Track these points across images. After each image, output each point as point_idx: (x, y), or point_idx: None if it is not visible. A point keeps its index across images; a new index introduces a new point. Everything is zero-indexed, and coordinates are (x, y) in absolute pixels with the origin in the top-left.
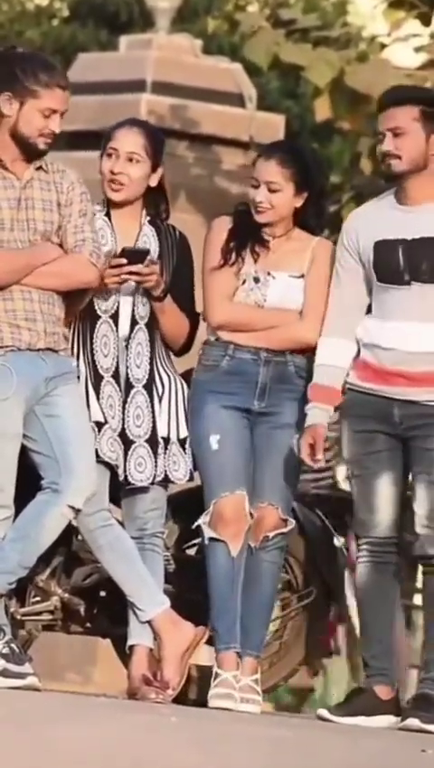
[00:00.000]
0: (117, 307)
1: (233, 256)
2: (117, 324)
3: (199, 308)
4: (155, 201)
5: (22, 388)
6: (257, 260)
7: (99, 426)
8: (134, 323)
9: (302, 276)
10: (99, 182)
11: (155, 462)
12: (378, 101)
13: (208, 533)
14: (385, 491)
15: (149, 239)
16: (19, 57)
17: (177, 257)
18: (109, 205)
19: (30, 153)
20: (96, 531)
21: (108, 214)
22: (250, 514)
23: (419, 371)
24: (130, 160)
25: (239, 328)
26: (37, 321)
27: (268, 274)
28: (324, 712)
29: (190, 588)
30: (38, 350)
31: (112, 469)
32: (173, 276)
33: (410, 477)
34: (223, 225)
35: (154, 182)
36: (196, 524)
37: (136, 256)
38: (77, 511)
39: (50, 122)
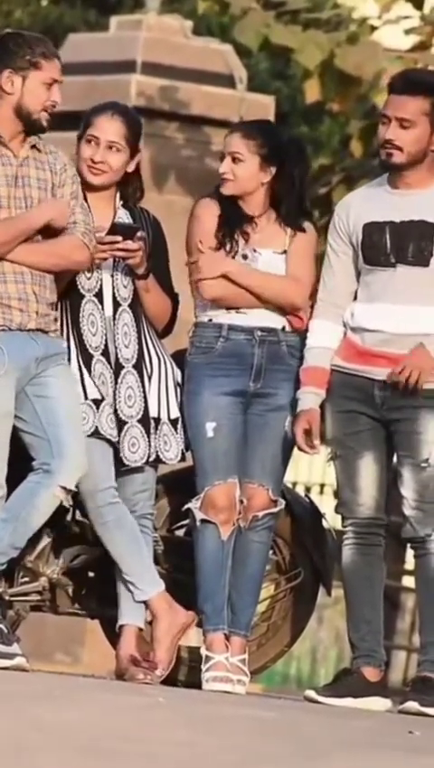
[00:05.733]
0: (101, 286)
1: (227, 242)
2: (102, 303)
3: (177, 288)
4: (127, 184)
5: (13, 368)
6: (248, 241)
7: (97, 403)
8: (117, 304)
9: (284, 251)
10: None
11: (148, 442)
12: (390, 82)
13: (199, 515)
14: (368, 471)
15: (123, 222)
16: (7, 35)
17: (152, 239)
18: (84, 187)
19: (31, 129)
20: (105, 507)
21: (83, 196)
22: (241, 501)
23: (402, 353)
24: (111, 148)
25: (232, 303)
26: (30, 301)
27: (255, 251)
28: (312, 693)
29: (177, 569)
30: (29, 330)
31: (114, 445)
32: (150, 258)
33: (395, 460)
34: (211, 209)
35: (131, 168)
36: (186, 507)
37: (127, 231)
38: (68, 492)
39: (52, 93)
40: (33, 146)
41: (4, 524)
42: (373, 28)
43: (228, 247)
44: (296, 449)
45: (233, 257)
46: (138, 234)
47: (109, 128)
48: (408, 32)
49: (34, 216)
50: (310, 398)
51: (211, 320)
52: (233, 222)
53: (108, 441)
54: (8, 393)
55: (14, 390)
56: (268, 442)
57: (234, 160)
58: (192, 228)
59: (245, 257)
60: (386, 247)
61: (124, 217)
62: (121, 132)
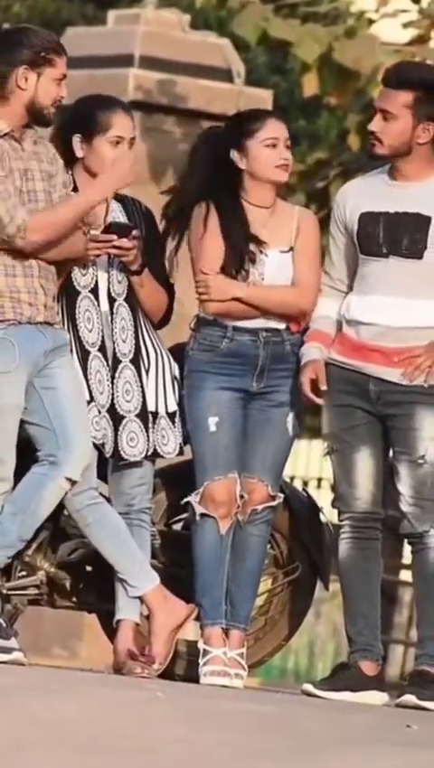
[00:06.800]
0: (96, 282)
1: (238, 275)
2: (97, 300)
3: (174, 281)
4: None
5: (24, 362)
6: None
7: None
8: (113, 299)
9: (291, 248)
10: None
11: (147, 436)
12: (383, 75)
13: (198, 509)
14: (365, 465)
15: (117, 215)
16: (18, 31)
17: (145, 230)
18: (76, 180)
19: (39, 123)
20: (84, 510)
21: (75, 189)
22: (241, 496)
23: (395, 347)
24: (129, 145)
25: (236, 316)
26: (38, 294)
27: (261, 252)
28: (309, 687)
29: (175, 563)
30: (37, 323)
31: (98, 447)
32: (144, 249)
33: (391, 455)
34: (216, 242)
35: None
36: (186, 500)
37: (121, 230)
38: (73, 483)
39: (61, 88)
40: (35, 141)
41: (13, 517)
42: (371, 21)
43: (238, 278)
44: (293, 446)
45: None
46: (133, 233)
47: (129, 126)
48: (406, 25)
49: (93, 193)
50: (315, 351)
51: (215, 318)
52: (242, 252)
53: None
54: (19, 387)
55: (25, 384)
56: (269, 438)
57: (286, 147)
58: (197, 250)
59: (253, 261)
60: (379, 237)
61: (116, 209)
62: (133, 126)
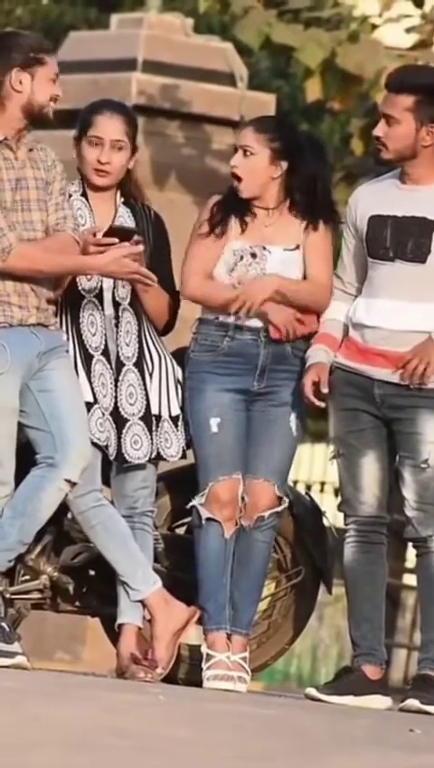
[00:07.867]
0: (101, 287)
1: (219, 223)
2: (102, 304)
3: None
4: (125, 181)
5: (16, 365)
6: (245, 230)
7: (89, 406)
8: (117, 304)
9: (297, 247)
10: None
11: (151, 439)
12: (385, 79)
13: (204, 514)
14: (370, 469)
15: (125, 220)
16: (5, 36)
17: (154, 236)
18: (85, 185)
19: (39, 122)
20: (88, 512)
21: (84, 194)
22: (243, 497)
23: (399, 351)
24: (114, 147)
25: (208, 305)
26: (29, 297)
27: (264, 248)
28: (313, 691)
29: (178, 567)
30: (29, 325)
31: (102, 448)
32: (151, 255)
33: (397, 460)
34: (211, 201)
35: (132, 165)
36: (191, 504)
37: (123, 234)
38: (73, 484)
39: (55, 87)
40: (30, 149)
41: (12, 521)
42: (374, 26)
43: (217, 230)
44: (296, 448)
45: (240, 256)
46: (135, 238)
47: (111, 127)
48: (408, 30)
49: (89, 265)
50: (320, 353)
51: (217, 318)
52: (228, 209)
53: (97, 444)
54: (13, 390)
55: (19, 387)
56: (273, 438)
57: (245, 153)
58: (193, 228)
59: (254, 255)
60: (386, 240)
61: (125, 215)
62: (123, 129)
